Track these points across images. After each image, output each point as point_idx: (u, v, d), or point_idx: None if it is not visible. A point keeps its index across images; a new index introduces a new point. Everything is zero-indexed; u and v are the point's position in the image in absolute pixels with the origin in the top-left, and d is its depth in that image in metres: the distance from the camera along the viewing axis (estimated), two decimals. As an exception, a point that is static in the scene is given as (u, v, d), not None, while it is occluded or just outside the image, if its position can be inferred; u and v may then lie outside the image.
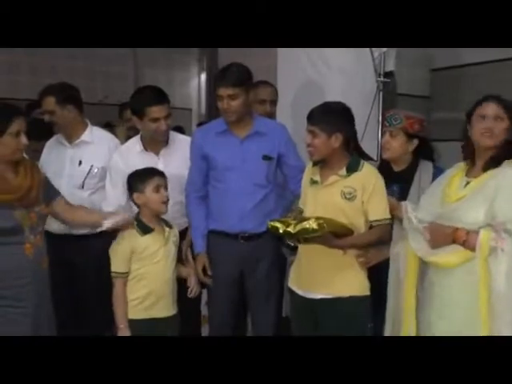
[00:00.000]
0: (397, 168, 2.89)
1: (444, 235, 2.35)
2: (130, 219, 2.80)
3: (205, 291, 3.34)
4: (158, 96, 3.12)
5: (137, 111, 3.12)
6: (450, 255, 2.37)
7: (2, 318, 2.46)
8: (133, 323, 2.79)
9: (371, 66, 3.90)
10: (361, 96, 3.86)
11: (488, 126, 2.37)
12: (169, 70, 8.10)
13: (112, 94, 6.88)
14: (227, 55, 6.75)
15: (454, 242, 2.33)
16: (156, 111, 3.07)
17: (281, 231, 2.50)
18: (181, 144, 3.27)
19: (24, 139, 2.52)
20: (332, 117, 2.64)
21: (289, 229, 2.46)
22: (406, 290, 2.57)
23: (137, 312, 2.81)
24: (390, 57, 4.05)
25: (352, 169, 2.63)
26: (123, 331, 2.77)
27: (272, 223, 2.54)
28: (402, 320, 2.56)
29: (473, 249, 2.28)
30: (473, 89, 5.05)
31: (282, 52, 4.24)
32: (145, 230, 2.81)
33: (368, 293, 2.70)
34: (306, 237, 2.52)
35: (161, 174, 2.87)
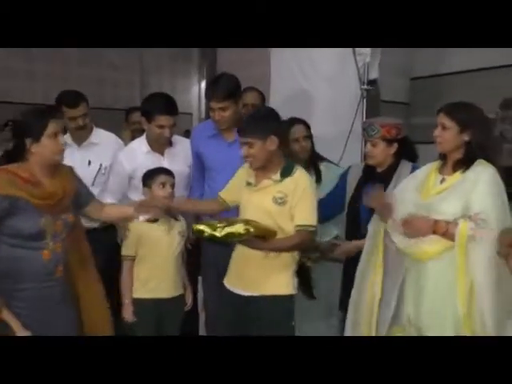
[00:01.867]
0: (379, 169, 2.88)
1: (426, 226, 2.34)
2: (158, 212, 2.76)
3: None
4: (169, 106, 3.11)
5: (146, 114, 3.11)
6: (427, 246, 2.36)
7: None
8: (138, 302, 2.88)
9: (356, 74, 3.90)
10: (346, 103, 3.88)
11: (435, 135, 2.40)
12: (172, 78, 8.14)
13: (119, 100, 6.90)
14: (225, 64, 6.76)
15: (434, 232, 2.33)
16: (163, 120, 3.06)
17: (206, 235, 2.40)
18: (182, 145, 3.28)
19: (62, 140, 2.41)
20: (263, 122, 2.59)
21: (215, 232, 2.38)
22: (371, 282, 2.57)
23: (142, 292, 2.89)
24: (373, 66, 4.02)
25: (285, 174, 2.59)
26: (127, 307, 2.87)
27: (197, 226, 2.46)
28: (364, 313, 2.57)
29: (452, 238, 2.28)
30: (448, 96, 5.08)
31: (275, 62, 4.24)
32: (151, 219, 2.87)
33: (293, 292, 2.67)
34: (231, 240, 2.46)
35: (168, 172, 2.91)
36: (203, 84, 8.45)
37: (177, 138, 3.30)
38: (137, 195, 3.15)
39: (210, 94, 2.98)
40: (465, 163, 2.37)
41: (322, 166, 3.26)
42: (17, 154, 2.39)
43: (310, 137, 3.26)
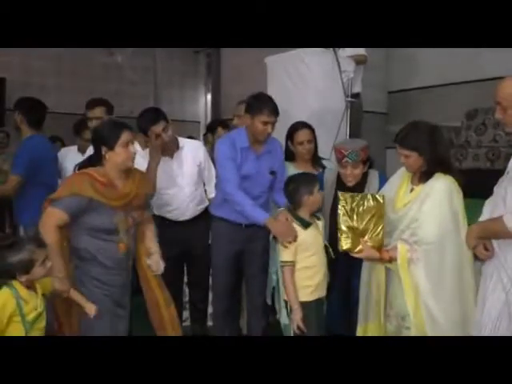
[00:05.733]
0: (350, 183, 2.77)
1: (374, 257, 2.38)
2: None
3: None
4: (156, 116, 3.03)
5: (142, 131, 3.06)
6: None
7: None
8: (306, 304, 2.60)
9: (341, 89, 3.88)
10: (333, 113, 3.86)
11: (401, 162, 2.39)
12: (182, 91, 8.15)
13: (136, 110, 6.93)
14: (228, 80, 6.78)
15: (382, 261, 2.37)
16: (156, 129, 2.99)
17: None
18: (189, 147, 3.23)
19: (133, 148, 2.47)
20: None
21: None
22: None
23: (309, 295, 2.62)
24: (356, 82, 4.05)
25: None
26: (297, 311, 2.58)
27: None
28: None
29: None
30: (420, 107, 5.14)
31: (272, 78, 4.20)
32: (305, 224, 2.62)
33: None
34: None
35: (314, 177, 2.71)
36: (209, 96, 8.49)
37: (183, 141, 3.24)
38: (156, 197, 3.12)
39: (267, 109, 2.82)
40: (426, 177, 2.35)
41: (325, 163, 3.28)
42: (97, 159, 2.49)
43: (313, 140, 3.22)
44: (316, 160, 3.28)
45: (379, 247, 2.38)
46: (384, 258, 2.33)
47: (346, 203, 2.40)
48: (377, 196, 2.40)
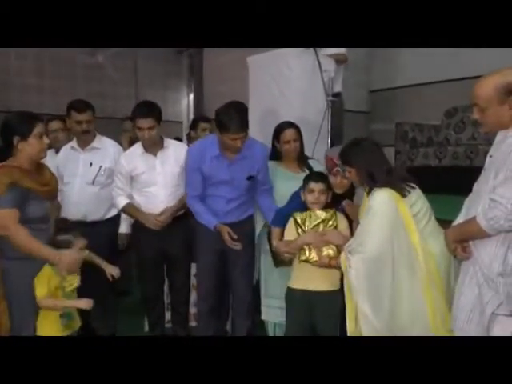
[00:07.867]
0: (339, 191, 2.79)
1: (326, 266, 2.60)
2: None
3: (193, 265, 3.34)
4: (145, 111, 3.04)
5: (132, 120, 3.11)
6: None
7: None
8: (290, 291, 2.77)
9: (322, 88, 3.88)
10: (315, 112, 3.87)
11: (347, 176, 2.57)
12: (164, 92, 8.11)
13: (118, 110, 6.89)
14: (210, 80, 6.78)
15: (331, 266, 2.57)
16: (140, 123, 3.02)
17: None
18: (174, 148, 3.22)
19: (46, 140, 2.46)
20: None
21: None
22: None
23: (292, 282, 2.77)
24: (336, 81, 4.05)
25: None
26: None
27: None
28: None
29: None
30: (401, 105, 5.20)
31: (253, 78, 4.19)
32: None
33: None
34: None
35: (316, 179, 2.75)
36: (191, 96, 8.48)
37: (169, 142, 3.24)
38: (138, 195, 3.18)
39: (233, 127, 2.77)
40: (369, 190, 2.42)
41: (311, 162, 3.29)
42: (6, 152, 2.41)
43: (298, 139, 3.22)
44: (302, 160, 3.29)
45: (334, 255, 2.58)
46: (332, 265, 2.55)
47: (299, 219, 2.67)
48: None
